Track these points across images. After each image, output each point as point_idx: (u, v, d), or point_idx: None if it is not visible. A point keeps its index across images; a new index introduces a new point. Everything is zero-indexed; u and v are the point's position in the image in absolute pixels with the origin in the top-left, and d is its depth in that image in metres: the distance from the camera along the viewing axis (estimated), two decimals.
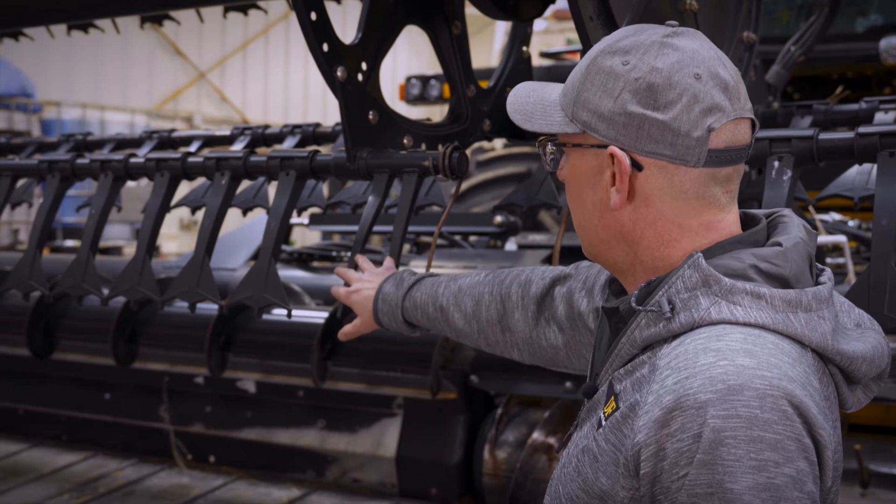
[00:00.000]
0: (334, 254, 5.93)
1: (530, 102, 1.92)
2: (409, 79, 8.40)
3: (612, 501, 1.69)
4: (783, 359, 1.61)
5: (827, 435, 1.59)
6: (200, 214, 3.69)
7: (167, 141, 4.93)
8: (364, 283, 2.80)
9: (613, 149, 1.75)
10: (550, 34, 15.02)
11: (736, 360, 1.58)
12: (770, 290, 1.67)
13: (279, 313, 3.55)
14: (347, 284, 2.83)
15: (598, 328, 2.02)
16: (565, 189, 1.92)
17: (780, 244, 1.75)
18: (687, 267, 1.70)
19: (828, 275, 1.80)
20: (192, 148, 4.76)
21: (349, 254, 5.67)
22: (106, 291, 3.77)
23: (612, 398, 1.75)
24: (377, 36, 3.13)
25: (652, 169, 1.75)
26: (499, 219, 6.12)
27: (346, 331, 2.85)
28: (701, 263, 1.68)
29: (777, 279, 1.70)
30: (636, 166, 1.75)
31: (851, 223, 5.48)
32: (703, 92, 1.72)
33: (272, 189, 3.57)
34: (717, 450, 1.52)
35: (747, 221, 1.85)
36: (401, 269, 2.78)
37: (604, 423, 1.74)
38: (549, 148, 1.92)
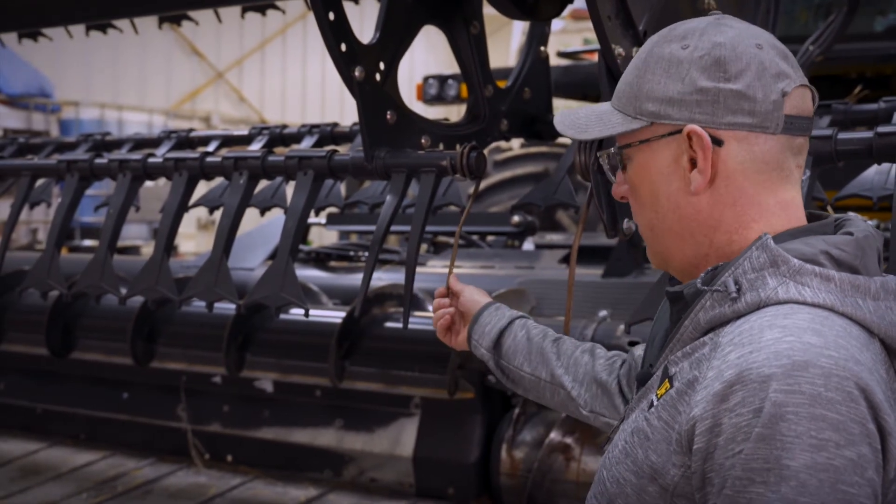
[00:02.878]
0: (352, 253, 5.93)
1: (581, 116, 1.90)
2: (426, 79, 8.40)
3: (662, 480, 1.65)
4: (851, 342, 1.58)
5: (892, 422, 1.54)
6: (218, 214, 3.70)
7: (185, 141, 4.94)
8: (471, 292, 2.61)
9: (692, 127, 1.72)
10: (568, 34, 15.00)
11: (803, 337, 1.55)
12: (839, 273, 1.64)
13: (297, 313, 3.56)
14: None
15: (654, 322, 1.99)
16: (631, 199, 1.88)
17: (851, 233, 1.72)
18: (755, 248, 1.67)
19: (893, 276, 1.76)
20: (210, 148, 4.77)
21: (366, 254, 5.69)
22: (124, 291, 3.77)
23: (667, 380, 1.71)
24: (395, 36, 3.13)
25: (732, 143, 1.72)
26: (516, 219, 6.12)
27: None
28: (769, 244, 1.66)
29: (847, 267, 1.67)
30: (716, 142, 1.72)
31: (870, 223, 5.46)
32: (768, 59, 1.72)
33: (290, 189, 3.57)
34: (777, 424, 1.49)
35: (812, 219, 1.82)
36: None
37: (655, 402, 1.71)
38: (609, 158, 1.89)
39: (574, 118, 1.90)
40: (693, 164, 1.74)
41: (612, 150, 1.87)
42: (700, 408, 1.58)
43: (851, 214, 1.82)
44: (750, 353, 1.55)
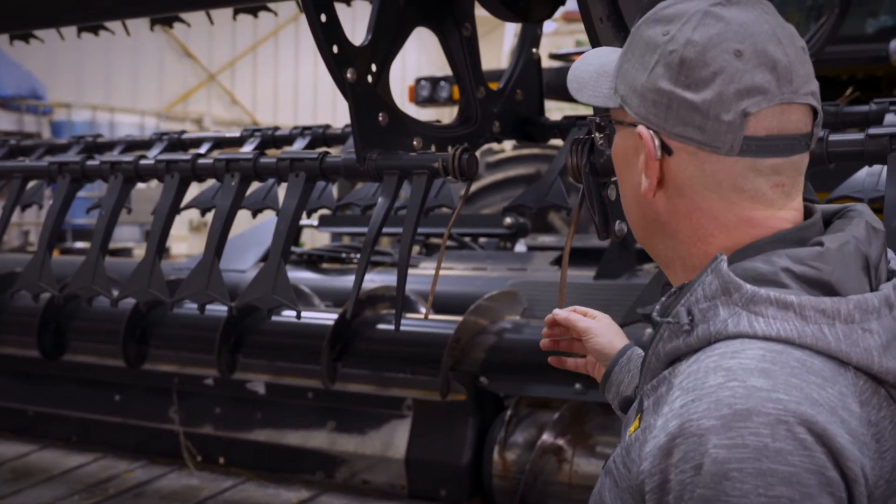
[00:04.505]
0: (344, 255, 5.93)
1: (590, 70, 1.73)
2: (418, 80, 8.40)
3: None
4: (809, 379, 1.40)
5: (858, 468, 1.38)
6: (210, 216, 3.70)
7: (177, 143, 4.93)
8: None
9: (641, 128, 1.56)
10: (560, 36, 15.00)
11: (748, 380, 1.39)
12: (800, 297, 1.45)
13: (289, 315, 3.56)
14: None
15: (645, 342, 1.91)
16: (615, 167, 1.72)
17: (821, 244, 1.52)
18: (710, 272, 1.50)
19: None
20: (202, 150, 4.76)
21: (358, 255, 5.68)
22: (116, 293, 3.77)
23: (639, 416, 1.56)
24: (387, 37, 3.13)
25: (682, 154, 1.55)
26: (508, 220, 6.12)
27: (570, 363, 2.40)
28: (721, 268, 1.48)
29: (818, 285, 1.49)
30: (666, 150, 1.56)
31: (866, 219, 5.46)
32: (741, 71, 1.52)
33: (282, 191, 3.57)
34: (720, 484, 1.34)
35: (807, 216, 1.62)
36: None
37: (626, 441, 1.57)
38: (597, 124, 1.80)
39: (584, 69, 1.75)
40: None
41: (596, 118, 1.80)
42: (648, 462, 1.44)
43: (859, 206, 1.64)
44: (692, 402, 1.41)
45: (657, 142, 1.56)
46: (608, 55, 1.73)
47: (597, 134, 1.82)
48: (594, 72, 1.72)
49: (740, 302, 1.46)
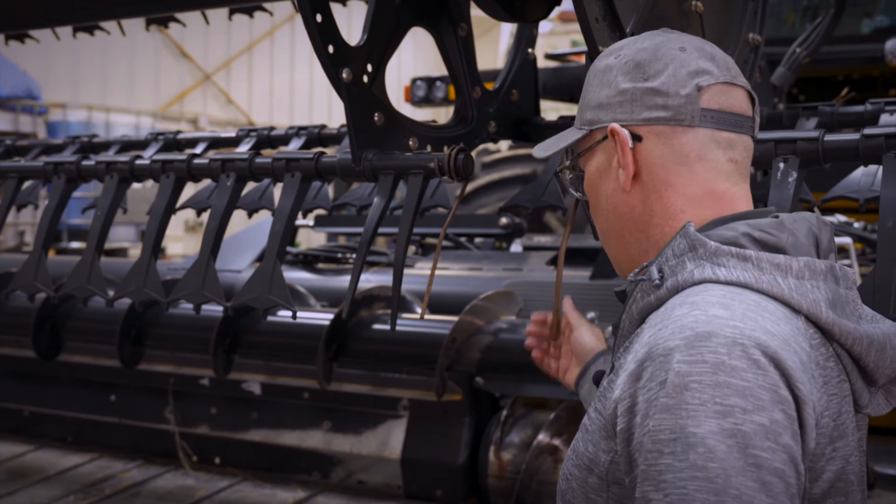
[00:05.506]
0: (340, 255, 5.93)
1: (553, 140, 2.01)
2: (414, 80, 8.40)
3: (598, 469, 1.67)
4: (763, 315, 1.59)
5: (807, 390, 1.55)
6: (206, 216, 3.69)
7: (173, 143, 4.93)
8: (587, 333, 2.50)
9: (612, 125, 1.81)
10: (556, 36, 15.03)
11: (709, 310, 1.57)
12: (757, 253, 1.67)
13: (284, 315, 3.55)
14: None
15: None
16: (590, 208, 1.95)
17: (777, 216, 1.76)
18: (679, 236, 1.72)
19: (846, 269, 1.77)
20: (198, 150, 4.76)
21: (354, 255, 5.68)
22: (111, 293, 3.77)
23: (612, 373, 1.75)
24: (382, 38, 3.13)
25: (651, 137, 1.79)
26: (504, 220, 6.13)
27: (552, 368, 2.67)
28: (689, 230, 1.70)
29: (772, 249, 1.70)
30: (636, 139, 1.80)
31: (857, 225, 5.47)
32: (688, 59, 1.79)
33: (278, 191, 3.57)
34: (681, 394, 1.50)
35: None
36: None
37: (598, 395, 1.76)
38: (568, 171, 1.99)
39: (548, 140, 2.03)
40: (619, 162, 1.82)
41: (567, 163, 1.98)
42: (619, 390, 1.61)
43: (806, 213, 1.84)
44: (659, 331, 1.60)
45: (627, 133, 1.80)
46: (563, 131, 2.00)
47: (571, 188, 2.03)
48: (556, 135, 2.01)
49: (705, 256, 1.68)
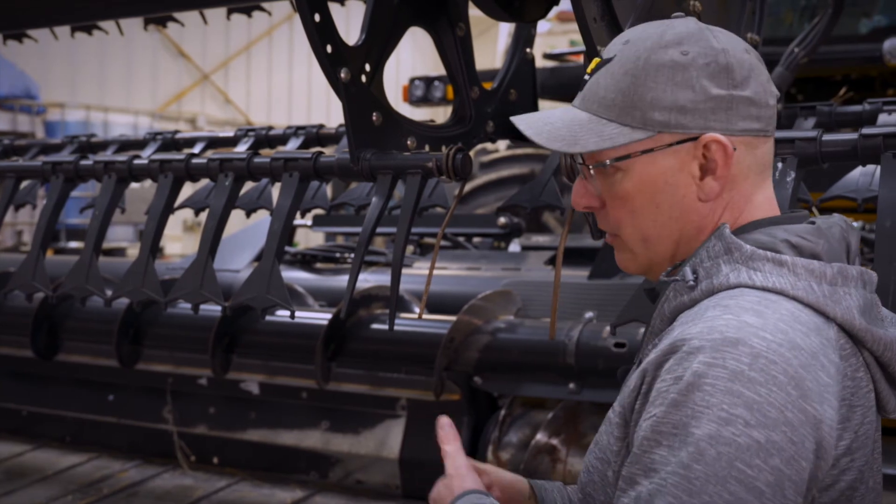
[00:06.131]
0: (338, 255, 5.93)
1: (559, 126, 1.80)
2: (412, 80, 8.39)
3: (615, 460, 1.69)
4: (795, 326, 1.58)
5: (825, 410, 1.54)
6: (204, 216, 3.69)
7: (171, 142, 4.93)
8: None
9: (715, 136, 1.70)
10: (554, 36, 15.02)
11: (742, 316, 1.57)
12: (793, 258, 1.65)
13: (283, 314, 3.56)
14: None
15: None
16: (616, 210, 1.80)
17: (813, 222, 1.74)
18: (713, 237, 1.70)
19: (871, 273, 1.76)
20: (196, 149, 4.76)
21: (352, 255, 5.68)
22: (109, 293, 3.77)
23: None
24: (381, 37, 3.12)
25: (741, 147, 1.72)
26: (502, 220, 6.13)
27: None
28: (725, 233, 1.69)
29: (808, 254, 1.68)
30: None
31: (855, 225, 5.47)
32: (757, 65, 1.75)
33: (276, 190, 3.57)
34: (692, 393, 1.51)
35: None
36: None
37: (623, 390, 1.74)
38: (604, 168, 1.78)
39: (551, 128, 1.81)
40: (703, 171, 1.72)
41: (606, 162, 1.77)
42: (638, 377, 1.62)
43: (819, 218, 1.80)
44: (688, 328, 1.59)
45: (731, 146, 1.71)
46: (555, 112, 1.84)
47: (589, 181, 1.83)
48: (572, 125, 1.78)
49: (741, 259, 1.66)
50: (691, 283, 1.68)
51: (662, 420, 1.52)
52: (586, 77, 1.82)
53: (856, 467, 1.64)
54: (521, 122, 1.86)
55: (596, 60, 1.81)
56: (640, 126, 1.73)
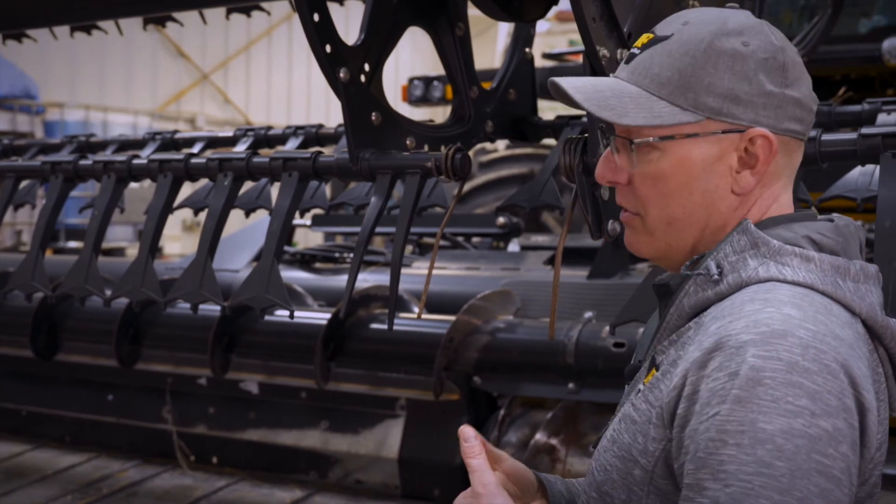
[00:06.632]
0: (337, 255, 5.93)
1: (613, 97, 1.76)
2: (411, 80, 8.40)
3: (644, 460, 1.64)
4: (832, 318, 1.59)
5: (871, 398, 1.56)
6: (203, 216, 3.69)
7: (170, 142, 4.93)
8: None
9: (762, 130, 1.69)
10: (553, 35, 15.01)
11: (783, 309, 1.56)
12: (819, 254, 1.66)
13: (282, 314, 3.56)
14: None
15: (645, 327, 1.98)
16: (645, 189, 1.77)
17: (831, 220, 1.76)
18: (736, 233, 1.69)
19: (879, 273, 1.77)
20: (195, 149, 4.76)
21: (352, 255, 5.68)
22: (109, 293, 3.77)
23: (654, 369, 1.70)
24: (380, 37, 3.13)
25: (781, 146, 1.73)
26: (501, 220, 6.13)
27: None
28: (750, 227, 1.68)
29: (829, 251, 1.69)
30: None
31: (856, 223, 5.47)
32: (804, 69, 1.76)
33: (275, 190, 3.57)
34: (754, 388, 1.49)
35: None
36: None
37: (642, 388, 1.70)
38: (646, 145, 1.75)
39: (600, 96, 1.76)
40: (741, 164, 1.72)
41: (650, 139, 1.74)
42: (678, 377, 1.59)
43: (835, 215, 1.81)
44: (730, 323, 1.57)
45: (776, 142, 1.72)
46: (603, 81, 1.80)
47: (631, 154, 1.78)
48: (621, 97, 1.75)
49: (768, 254, 1.66)
50: (716, 277, 1.67)
51: (727, 418, 1.49)
52: (635, 51, 1.79)
53: (882, 461, 1.65)
54: (569, 84, 1.79)
55: (648, 36, 1.79)
56: (690, 108, 1.72)
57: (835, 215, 1.78)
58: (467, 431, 1.93)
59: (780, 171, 1.75)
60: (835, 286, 1.64)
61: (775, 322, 1.54)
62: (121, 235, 17.11)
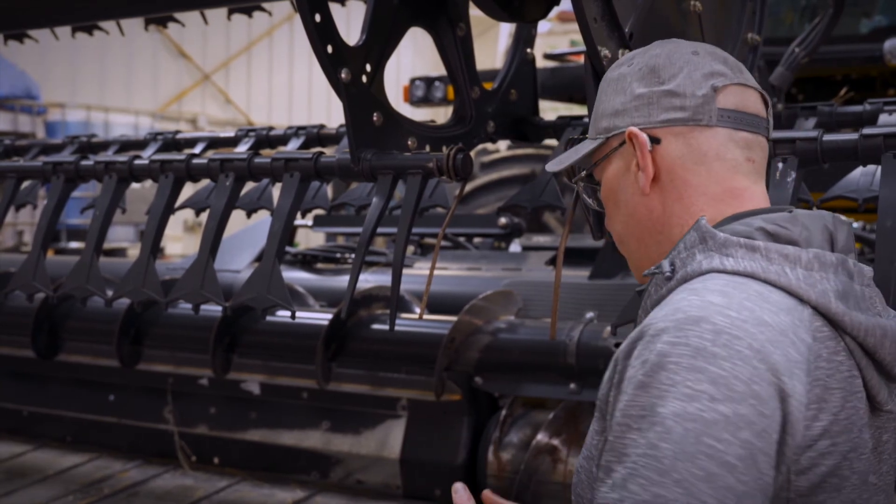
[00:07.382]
0: (338, 255, 5.93)
1: (569, 154, 2.01)
2: (413, 80, 8.40)
3: (596, 454, 1.68)
4: (763, 305, 1.60)
5: (797, 385, 1.55)
6: (205, 216, 3.70)
7: (171, 143, 4.93)
8: None
9: (630, 129, 1.81)
10: (554, 36, 15.03)
11: (706, 297, 1.60)
12: (766, 244, 1.68)
13: (283, 315, 3.56)
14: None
15: None
16: (606, 215, 1.96)
17: (791, 211, 1.77)
18: (691, 230, 1.73)
19: (863, 266, 1.77)
20: (197, 150, 4.76)
21: (353, 255, 5.68)
22: (110, 293, 3.77)
23: None
24: (381, 38, 3.13)
25: (669, 138, 1.80)
26: (503, 220, 6.13)
27: None
28: (700, 224, 1.72)
29: (785, 241, 1.70)
30: (654, 141, 1.81)
31: (856, 225, 5.47)
32: (702, 62, 1.82)
33: (276, 191, 3.57)
34: (657, 373, 1.52)
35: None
36: None
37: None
38: (583, 182, 2.00)
39: (561, 155, 2.04)
40: (637, 166, 1.83)
41: (582, 173, 1.97)
42: (610, 369, 1.66)
43: (825, 213, 1.84)
44: (655, 313, 1.64)
45: (646, 135, 1.81)
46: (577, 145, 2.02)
47: (585, 198, 2.07)
48: (570, 149, 2.04)
49: (714, 247, 1.69)
50: (668, 274, 1.72)
51: (631, 404, 1.53)
52: None
53: (838, 452, 1.62)
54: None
55: None
56: (595, 136, 1.92)
57: (803, 210, 1.80)
58: (457, 485, 2.11)
59: (682, 162, 1.81)
60: (779, 273, 1.65)
61: (692, 309, 1.57)
62: (122, 236, 17.13)
